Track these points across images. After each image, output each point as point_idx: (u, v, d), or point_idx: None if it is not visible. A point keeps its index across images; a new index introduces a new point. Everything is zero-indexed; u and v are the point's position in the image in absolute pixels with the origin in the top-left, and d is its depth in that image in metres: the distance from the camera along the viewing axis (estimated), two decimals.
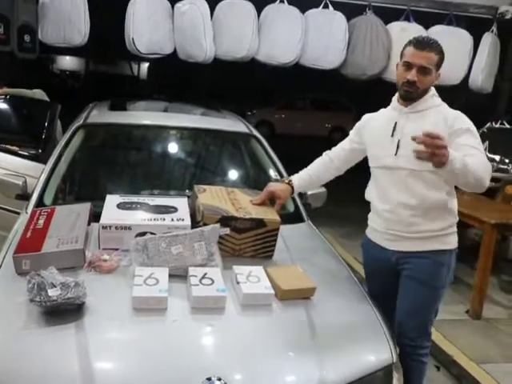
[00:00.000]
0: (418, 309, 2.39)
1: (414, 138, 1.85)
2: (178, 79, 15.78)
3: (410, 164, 2.23)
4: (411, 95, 2.28)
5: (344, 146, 2.63)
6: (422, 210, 2.29)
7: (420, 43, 2.25)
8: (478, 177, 2.02)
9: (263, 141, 3.45)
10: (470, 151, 2.09)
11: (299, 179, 2.63)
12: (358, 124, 2.58)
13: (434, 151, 1.83)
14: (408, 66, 2.25)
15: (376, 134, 2.43)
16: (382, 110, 2.49)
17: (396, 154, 2.31)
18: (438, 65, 2.26)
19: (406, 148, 2.23)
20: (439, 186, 2.26)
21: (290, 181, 2.62)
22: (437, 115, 2.26)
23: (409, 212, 2.30)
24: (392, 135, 2.33)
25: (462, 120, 2.24)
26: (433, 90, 2.33)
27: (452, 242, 2.39)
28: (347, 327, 2.00)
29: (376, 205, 2.44)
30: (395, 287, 2.45)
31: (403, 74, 2.26)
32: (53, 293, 1.75)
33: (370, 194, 2.50)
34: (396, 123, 2.33)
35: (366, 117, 2.57)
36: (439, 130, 2.03)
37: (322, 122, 16.76)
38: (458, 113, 2.28)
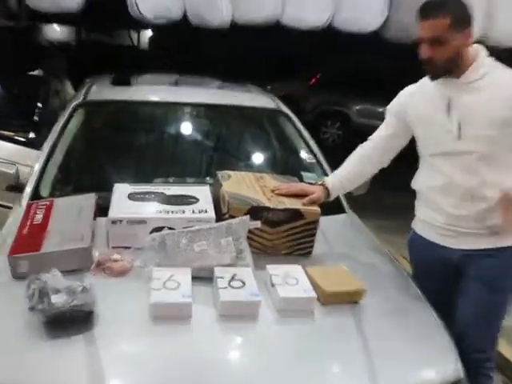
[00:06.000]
0: (486, 315, 2.33)
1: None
2: (184, 51, 15.75)
3: (478, 146, 2.17)
4: (437, 73, 2.20)
5: (380, 133, 2.54)
6: (498, 201, 2.16)
7: (423, 12, 2.14)
8: None
9: (293, 117, 3.42)
10: None
11: (333, 179, 2.54)
12: (394, 103, 2.49)
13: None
14: (420, 41, 2.16)
15: (425, 113, 2.33)
16: (424, 82, 2.36)
17: (459, 137, 2.21)
18: (457, 24, 2.09)
19: (470, 127, 2.17)
20: None
21: (324, 182, 2.53)
22: (494, 84, 2.15)
23: (481, 205, 2.22)
24: (448, 114, 2.23)
25: None
26: (481, 53, 2.20)
27: None
28: (404, 336, 1.96)
29: (434, 198, 2.36)
30: (453, 293, 2.40)
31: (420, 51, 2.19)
32: (57, 299, 1.74)
33: (423, 183, 2.43)
34: (450, 98, 2.23)
35: (405, 93, 2.46)
36: (497, 106, 2.05)
37: None
38: None
